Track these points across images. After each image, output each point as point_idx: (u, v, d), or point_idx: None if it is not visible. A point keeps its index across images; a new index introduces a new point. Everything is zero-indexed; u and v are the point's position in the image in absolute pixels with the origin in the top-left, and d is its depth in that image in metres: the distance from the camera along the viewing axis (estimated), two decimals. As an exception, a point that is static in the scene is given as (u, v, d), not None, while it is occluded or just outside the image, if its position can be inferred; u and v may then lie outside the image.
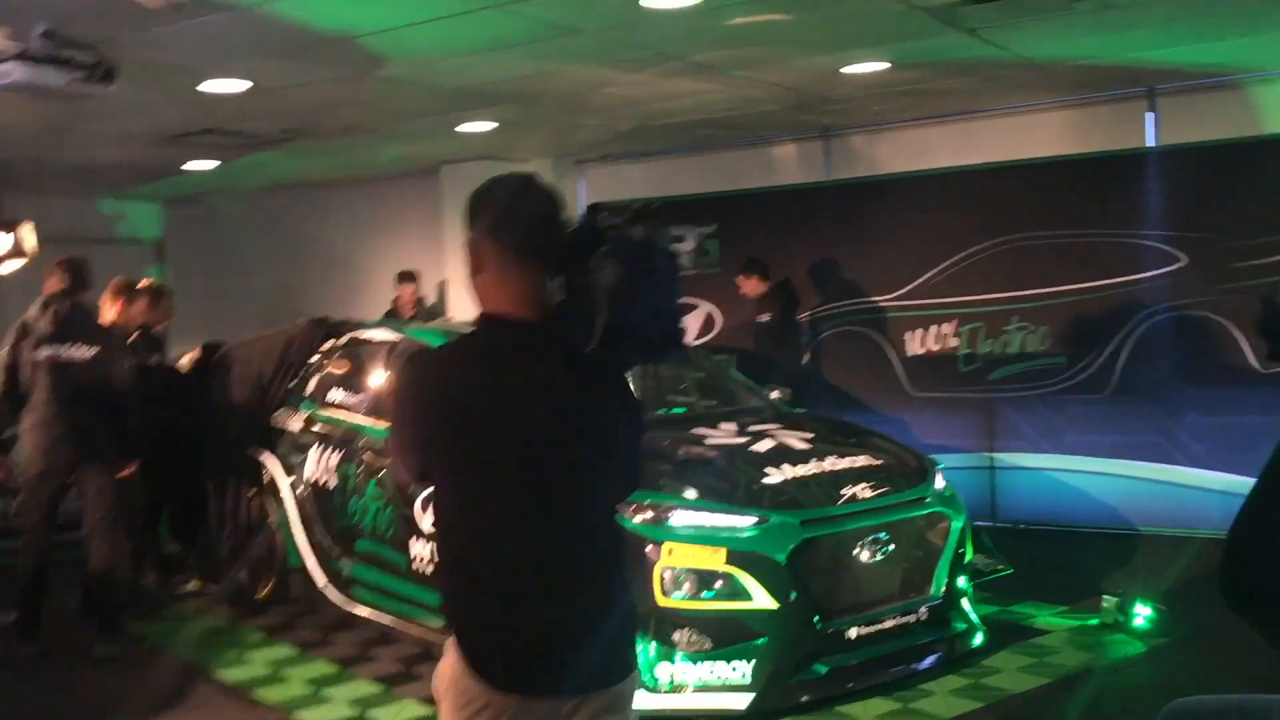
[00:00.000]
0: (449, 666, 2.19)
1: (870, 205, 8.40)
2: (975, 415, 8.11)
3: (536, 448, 2.11)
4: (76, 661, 5.68)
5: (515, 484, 2.12)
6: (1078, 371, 7.73)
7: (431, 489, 2.23)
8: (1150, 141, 7.61)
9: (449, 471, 2.16)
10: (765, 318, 8.21)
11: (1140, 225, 7.50)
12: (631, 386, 2.29)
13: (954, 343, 8.18)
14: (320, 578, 6.08)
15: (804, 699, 4.56)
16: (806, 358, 8.58)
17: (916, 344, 8.32)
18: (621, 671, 2.21)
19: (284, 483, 6.41)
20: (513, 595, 2.13)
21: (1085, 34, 5.84)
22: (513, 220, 2.16)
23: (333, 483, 5.98)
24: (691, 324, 9.29)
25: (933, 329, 8.26)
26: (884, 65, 6.40)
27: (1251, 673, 3.11)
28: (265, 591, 6.61)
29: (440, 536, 2.22)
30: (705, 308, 9.17)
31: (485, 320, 2.20)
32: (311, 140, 8.00)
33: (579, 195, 9.94)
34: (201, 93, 6.30)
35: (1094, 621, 5.60)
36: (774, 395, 6.30)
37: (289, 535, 6.32)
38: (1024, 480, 7.95)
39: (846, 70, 6.49)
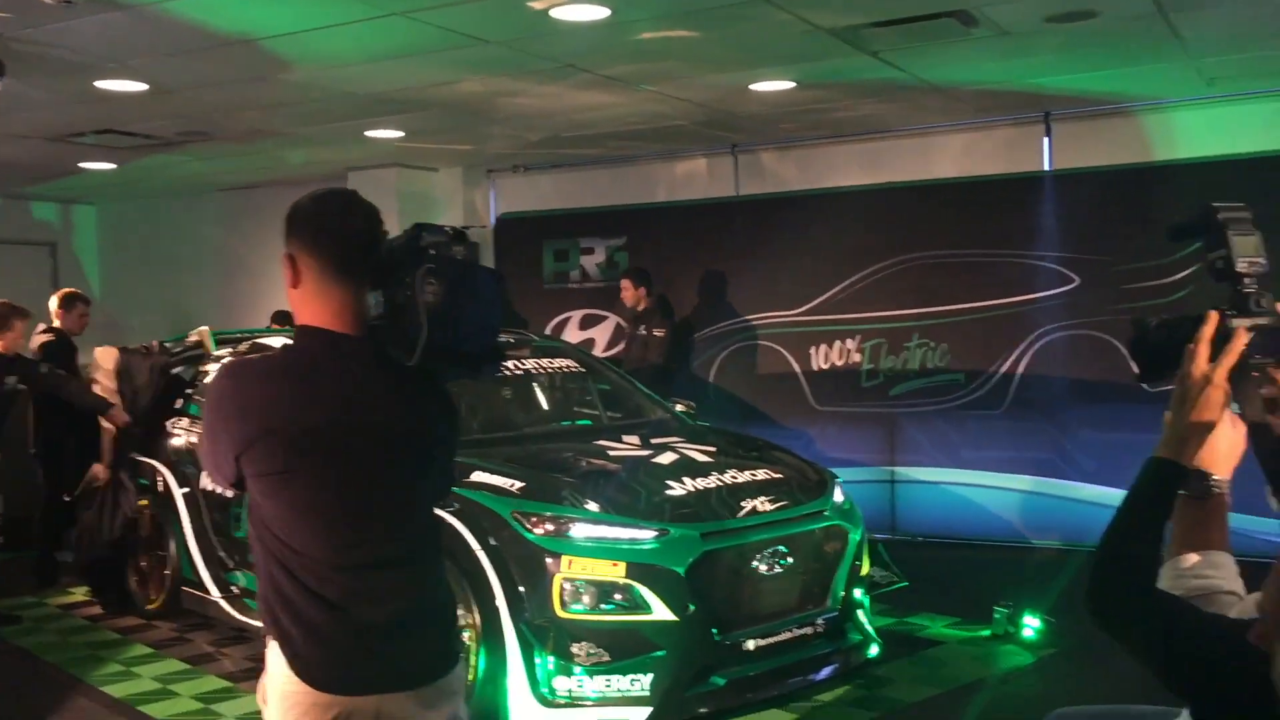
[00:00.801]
0: (272, 671, 2.23)
1: (778, 221, 8.50)
2: (877, 430, 8.25)
3: (351, 455, 2.18)
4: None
5: (331, 491, 2.18)
6: (975, 388, 7.91)
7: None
8: (1046, 165, 7.83)
9: (264, 480, 2.18)
10: (660, 331, 8.19)
11: (1036, 246, 7.71)
12: (448, 394, 2.38)
13: (857, 358, 8.32)
14: (214, 590, 5.95)
15: (702, 711, 4.58)
16: (713, 371, 8.65)
17: (820, 359, 8.44)
18: (445, 665, 2.30)
19: (178, 494, 6.26)
20: (332, 598, 2.18)
21: (983, 59, 6.00)
22: (332, 236, 2.21)
23: (229, 494, 5.85)
24: (600, 336, 9.31)
25: (836, 344, 8.39)
26: (790, 84, 6.50)
27: (1133, 683, 3.21)
28: (157, 604, 6.44)
29: (257, 542, 2.24)
30: (614, 320, 9.19)
31: (303, 332, 2.25)
32: (214, 143, 7.84)
33: (490, 205, 9.91)
34: (98, 90, 6.14)
35: (985, 633, 5.73)
36: (678, 408, 6.34)
37: (183, 547, 6.17)
38: (923, 494, 8.10)
39: (754, 88, 6.58)
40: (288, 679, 2.19)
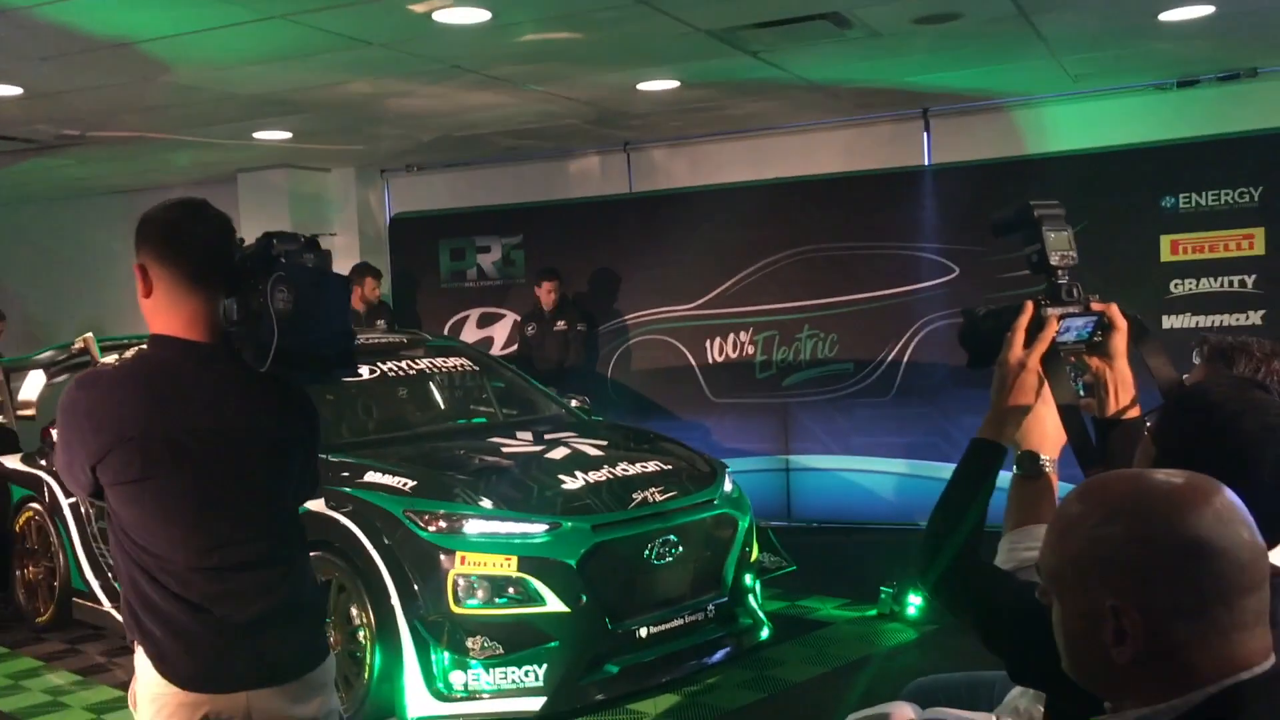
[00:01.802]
0: (140, 675, 2.27)
1: (671, 217, 8.64)
2: (771, 419, 8.44)
3: (207, 461, 2.21)
4: None
5: (188, 496, 2.21)
6: (863, 377, 8.15)
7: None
8: (926, 160, 8.09)
9: (121, 488, 2.22)
10: (583, 327, 8.39)
11: (918, 238, 7.97)
12: (306, 398, 2.42)
13: (750, 350, 8.50)
14: (105, 600, 5.87)
15: (596, 698, 4.69)
16: (610, 366, 8.76)
17: (715, 352, 8.60)
18: (313, 660, 2.36)
19: (65, 503, 6.16)
20: (194, 600, 2.22)
21: (859, 59, 6.20)
22: (182, 245, 2.24)
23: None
24: (498, 334, 9.35)
25: (730, 337, 8.55)
26: (675, 84, 6.62)
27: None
28: (46, 617, 6.33)
29: (117, 548, 2.28)
30: (511, 318, 9.24)
31: (156, 341, 2.27)
32: (95, 147, 7.69)
33: (385, 205, 9.87)
34: (-30, 95, 6.00)
35: (872, 612, 5.94)
36: (573, 404, 6.43)
37: (72, 557, 6.08)
38: (816, 481, 8.32)
39: (641, 87, 6.69)
40: (155, 681, 2.23)
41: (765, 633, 5.37)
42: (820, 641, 5.61)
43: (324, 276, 2.29)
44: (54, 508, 6.21)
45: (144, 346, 2.35)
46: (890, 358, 8.06)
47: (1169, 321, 7.23)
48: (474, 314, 9.41)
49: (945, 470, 8.55)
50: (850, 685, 4.98)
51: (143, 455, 2.17)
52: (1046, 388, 1.97)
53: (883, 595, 5.92)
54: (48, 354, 7.06)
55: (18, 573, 6.55)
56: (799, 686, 5.02)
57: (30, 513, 6.44)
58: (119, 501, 2.23)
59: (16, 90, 5.94)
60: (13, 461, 6.72)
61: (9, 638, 6.29)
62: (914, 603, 5.79)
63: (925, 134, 8.09)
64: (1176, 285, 7.26)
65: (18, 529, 6.54)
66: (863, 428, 8.16)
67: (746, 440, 8.44)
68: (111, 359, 6.55)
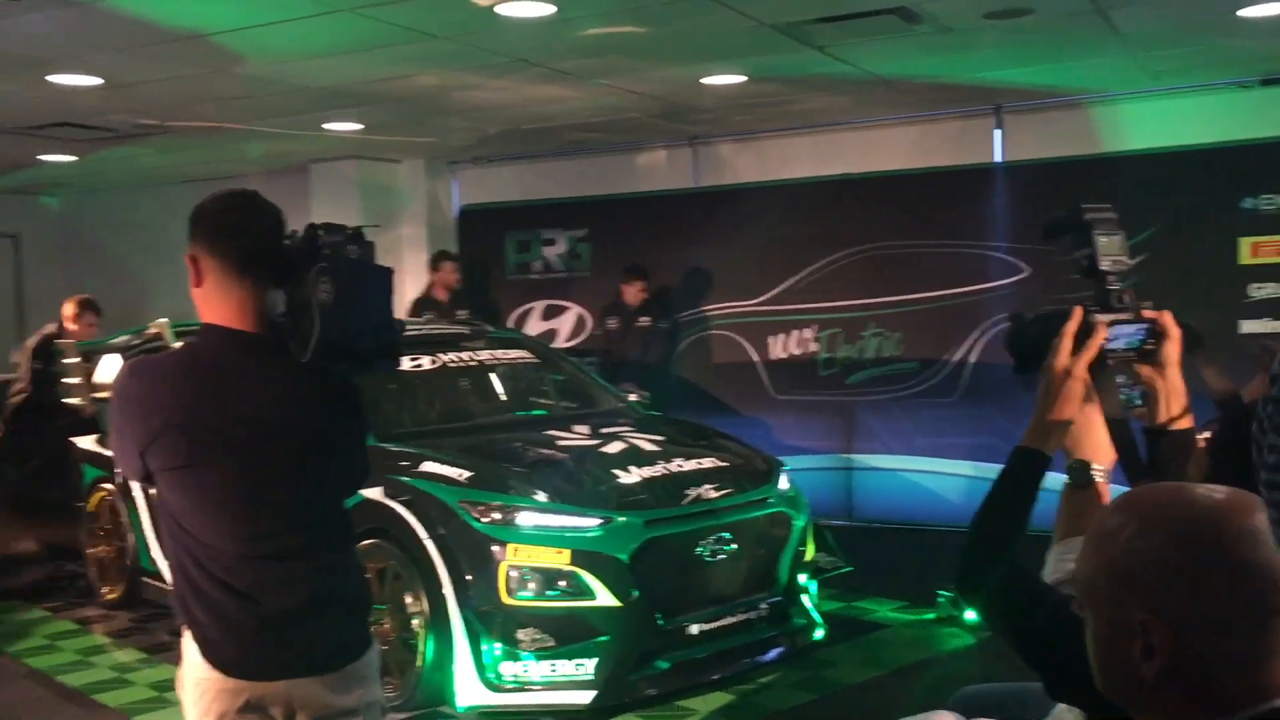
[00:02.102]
0: (186, 659, 2.31)
1: (736, 212, 8.59)
2: (833, 418, 8.37)
3: (250, 449, 2.24)
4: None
5: (231, 484, 2.23)
6: (929, 376, 8.04)
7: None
8: (997, 157, 7.95)
9: (168, 474, 2.26)
10: (645, 321, 8.32)
11: (987, 237, 7.84)
12: (351, 388, 2.42)
13: (814, 347, 8.43)
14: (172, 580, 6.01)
15: (646, 694, 4.69)
16: (672, 360, 8.74)
17: (779, 348, 8.55)
18: (353, 652, 2.36)
19: (136, 485, 6.30)
20: (239, 587, 2.24)
21: (928, 54, 6.10)
22: (232, 235, 2.27)
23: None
24: (563, 326, 9.39)
25: (794, 333, 8.49)
26: (740, 78, 6.58)
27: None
28: (115, 595, 6.50)
29: (167, 534, 2.31)
30: (575, 311, 9.27)
31: (205, 330, 2.31)
32: (172, 136, 7.86)
33: (452, 197, 9.96)
34: (52, 85, 6.16)
35: (930, 616, 5.86)
36: (631, 398, 6.43)
37: (141, 537, 6.23)
38: (878, 481, 8.23)
39: (706, 81, 6.66)
40: (200, 666, 2.27)
41: (819, 633, 5.32)
42: (876, 644, 5.55)
43: (366, 268, 2.29)
44: (125, 489, 6.36)
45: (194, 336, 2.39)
46: (956, 358, 7.94)
47: (1247, 326, 7.02)
48: (539, 306, 9.46)
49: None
50: (905, 689, 4.93)
51: (188, 442, 2.20)
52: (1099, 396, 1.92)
53: (941, 599, 5.84)
54: (123, 338, 7.24)
55: (89, 551, 6.73)
56: (852, 689, 4.97)
57: (103, 493, 6.61)
58: (167, 487, 2.27)
59: (97, 81, 6.09)
60: (87, 443, 6.91)
61: (80, 614, 6.47)
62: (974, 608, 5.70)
63: (997, 131, 7.95)
64: (1256, 289, 7.05)
65: (91, 508, 6.71)
66: (927, 428, 8.05)
67: (808, 438, 8.37)
68: (183, 345, 6.71)
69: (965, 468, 7.83)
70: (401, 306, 9.44)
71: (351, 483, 2.49)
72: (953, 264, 7.93)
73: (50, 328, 7.85)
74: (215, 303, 2.27)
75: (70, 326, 7.75)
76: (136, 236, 11.01)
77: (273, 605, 2.25)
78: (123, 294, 11.04)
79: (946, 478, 7.94)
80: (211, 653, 2.27)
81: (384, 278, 2.36)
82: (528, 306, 9.49)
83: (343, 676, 2.32)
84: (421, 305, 8.54)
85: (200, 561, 2.25)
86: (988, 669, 5.14)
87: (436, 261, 8.67)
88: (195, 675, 2.28)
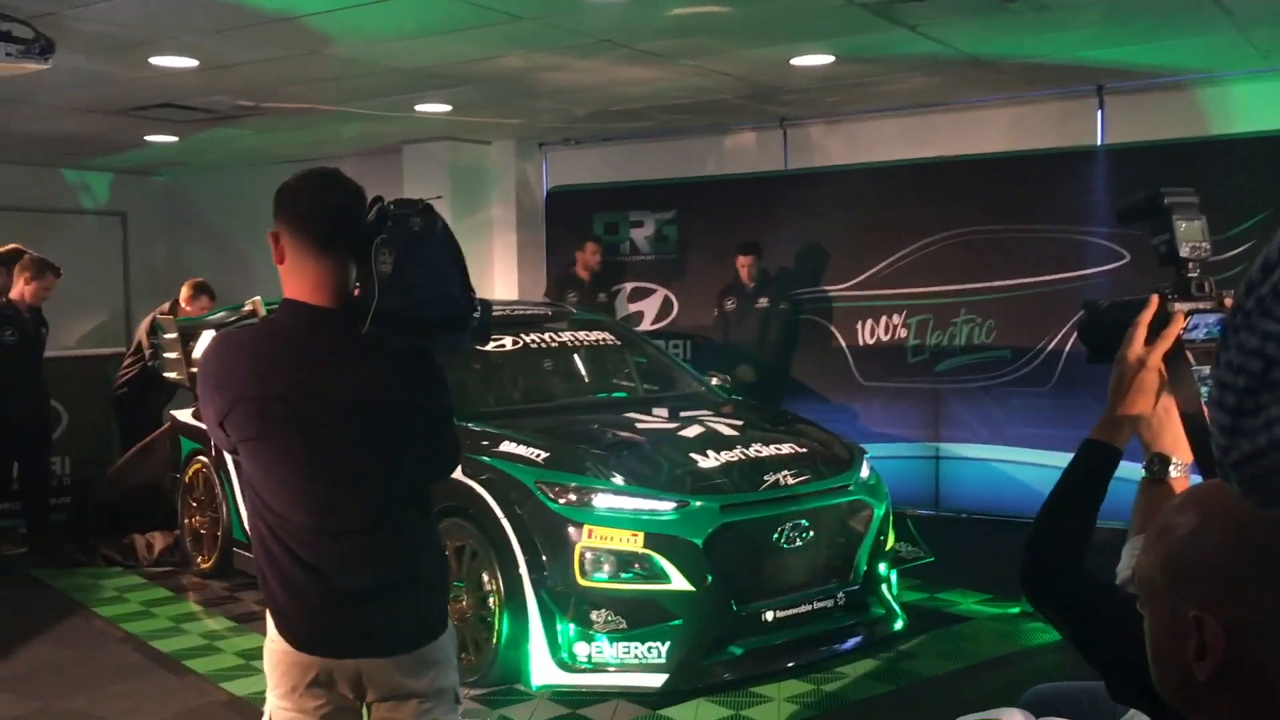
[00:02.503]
0: (268, 630, 2.35)
1: (826, 195, 8.48)
2: (922, 405, 8.22)
3: (318, 423, 2.24)
4: (9, 632, 5.75)
5: (300, 457, 2.25)
6: (1022, 365, 7.84)
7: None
8: (1099, 139, 7.70)
9: (243, 445, 2.31)
10: (764, 302, 8.09)
11: (1086, 222, 7.60)
12: (429, 366, 2.35)
13: (903, 334, 8.28)
14: (261, 552, 6.17)
15: (720, 679, 4.67)
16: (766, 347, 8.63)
17: (867, 334, 8.42)
18: (426, 635, 2.34)
19: (229, 457, 6.47)
20: (312, 562, 2.26)
21: (1025, 33, 5.92)
22: (307, 212, 2.29)
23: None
24: (649, 309, 9.37)
25: (883, 319, 8.35)
26: (829, 59, 6.47)
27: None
28: (208, 564, 6.69)
29: (248, 506, 2.35)
30: (662, 293, 9.25)
31: (283, 305, 2.33)
32: (268, 117, 8.03)
33: (542, 178, 10.00)
34: (154, 67, 6.33)
35: (1015, 610, 5.72)
36: (714, 382, 6.39)
37: (234, 509, 6.40)
38: (967, 470, 8.06)
39: (795, 62, 6.56)
40: (275, 637, 2.32)
41: (899, 624, 5.24)
42: (958, 637, 5.44)
43: (426, 239, 2.26)
44: (219, 461, 6.54)
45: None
46: (1051, 346, 7.72)
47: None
48: (626, 288, 9.46)
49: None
50: (985, 684, 4.82)
51: (259, 414, 2.24)
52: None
53: (1027, 593, 5.69)
54: (220, 315, 7.44)
55: (186, 521, 6.94)
56: (930, 681, 4.88)
57: (198, 465, 6.81)
58: (245, 458, 2.32)
59: (193, 63, 6.24)
60: (184, 416, 7.12)
61: (175, 582, 6.68)
62: (1059, 603, 5.54)
63: (1099, 112, 7.70)
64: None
65: (187, 480, 6.92)
66: (1019, 417, 7.85)
67: (895, 425, 8.24)
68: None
69: (1059, 459, 7.61)
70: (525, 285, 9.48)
71: (435, 464, 2.43)
72: (1049, 250, 7.71)
73: (164, 308, 8.09)
74: (295, 278, 2.30)
75: (185, 308, 8.00)
76: (236, 215, 11.30)
77: (344, 582, 2.26)
78: (223, 271, 11.33)
79: (1039, 469, 7.73)
80: (284, 626, 2.31)
81: (444, 249, 2.31)
82: (615, 288, 9.48)
83: (415, 659, 2.30)
84: (563, 284, 8.54)
85: (276, 534, 2.28)
86: (1074, 666, 4.99)
87: (581, 241, 8.62)
88: (271, 646, 2.33)
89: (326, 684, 2.30)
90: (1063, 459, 7.17)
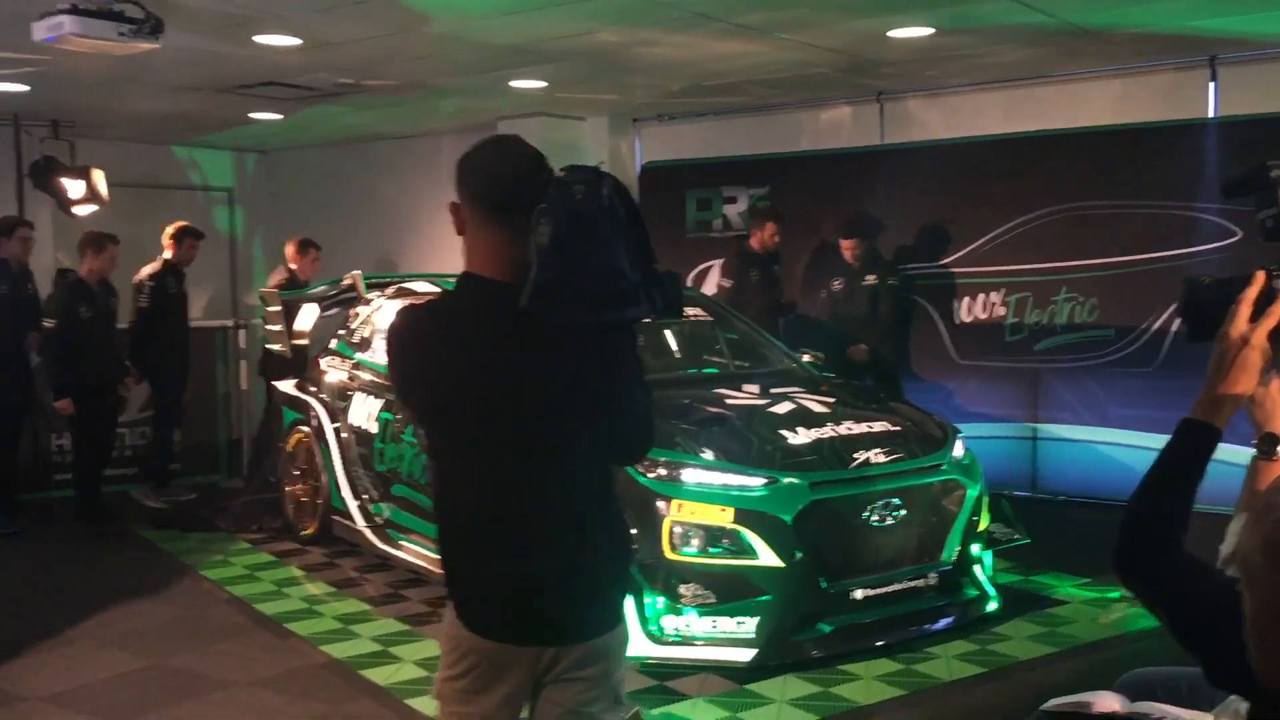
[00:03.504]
0: (447, 611, 2.33)
1: (923, 171, 8.32)
2: (1020, 385, 8.05)
3: (497, 405, 2.18)
4: (123, 591, 6.00)
5: (479, 439, 2.21)
6: (1125, 345, 7.63)
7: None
8: (1211, 112, 7.43)
9: (426, 419, 2.30)
10: (871, 279, 7.81)
11: (1196, 198, 7.34)
12: (615, 344, 2.22)
13: (1001, 312, 8.11)
14: (360, 520, 6.33)
15: (808, 655, 4.67)
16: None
17: (964, 312, 8.26)
18: (603, 626, 2.27)
19: (329, 427, 6.65)
20: (489, 546, 2.23)
21: (1134, 2, 5.73)
22: (484, 182, 2.24)
23: (373, 429, 6.19)
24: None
25: (980, 297, 8.19)
26: (928, 30, 6.34)
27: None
28: (310, 531, 6.89)
29: (433, 484, 2.34)
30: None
31: (461, 278, 2.29)
32: (369, 94, 8.17)
33: (635, 154, 10.00)
34: (258, 45, 6.48)
35: (1115, 595, 5.60)
36: (805, 359, 6.35)
37: (333, 478, 6.57)
38: (1066, 452, 7.89)
39: (892, 34, 6.45)
40: (453, 620, 2.30)
41: (993, 605, 5.18)
42: (1053, 620, 5.35)
43: (589, 209, 2.08)
44: (319, 432, 6.72)
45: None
46: (1157, 325, 7.49)
47: None
48: (718, 264, 9.41)
49: (1216, 450, 7.95)
50: (1080, 669, 4.74)
51: (436, 390, 2.23)
52: None
53: (1127, 578, 5.56)
54: (320, 289, 7.63)
55: (288, 489, 7.15)
56: (1023, 665, 4.81)
57: (300, 435, 6.99)
58: (427, 432, 2.32)
59: (296, 41, 6.37)
60: (287, 387, 7.32)
61: (278, 548, 6.89)
62: (1159, 588, 5.41)
63: (1211, 84, 7.42)
64: None
65: (290, 449, 7.12)
66: (1122, 399, 7.64)
67: (992, 405, 8.08)
68: (373, 295, 7.01)
69: (1163, 442, 7.39)
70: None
71: (621, 446, 2.30)
72: (1156, 226, 7.48)
73: (278, 276, 8.39)
74: (472, 250, 2.26)
75: (294, 265, 8.34)
76: (339, 192, 11.53)
77: (523, 568, 2.21)
78: (325, 247, 11.62)
79: (1142, 451, 7.52)
80: (462, 608, 2.28)
81: (610, 220, 2.10)
82: (706, 264, 9.46)
83: (588, 650, 2.25)
84: (743, 260, 8.37)
85: (459, 516, 2.26)
86: (1173, 651, 4.87)
87: (756, 218, 8.42)
88: (448, 628, 2.30)
89: (500, 668, 2.25)
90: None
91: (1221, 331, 1.79)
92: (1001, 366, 8.11)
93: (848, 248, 7.86)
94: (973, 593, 5.13)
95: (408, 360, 2.28)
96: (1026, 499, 7.66)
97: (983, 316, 8.21)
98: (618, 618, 2.32)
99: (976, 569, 5.14)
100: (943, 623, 5.03)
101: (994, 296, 8.16)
